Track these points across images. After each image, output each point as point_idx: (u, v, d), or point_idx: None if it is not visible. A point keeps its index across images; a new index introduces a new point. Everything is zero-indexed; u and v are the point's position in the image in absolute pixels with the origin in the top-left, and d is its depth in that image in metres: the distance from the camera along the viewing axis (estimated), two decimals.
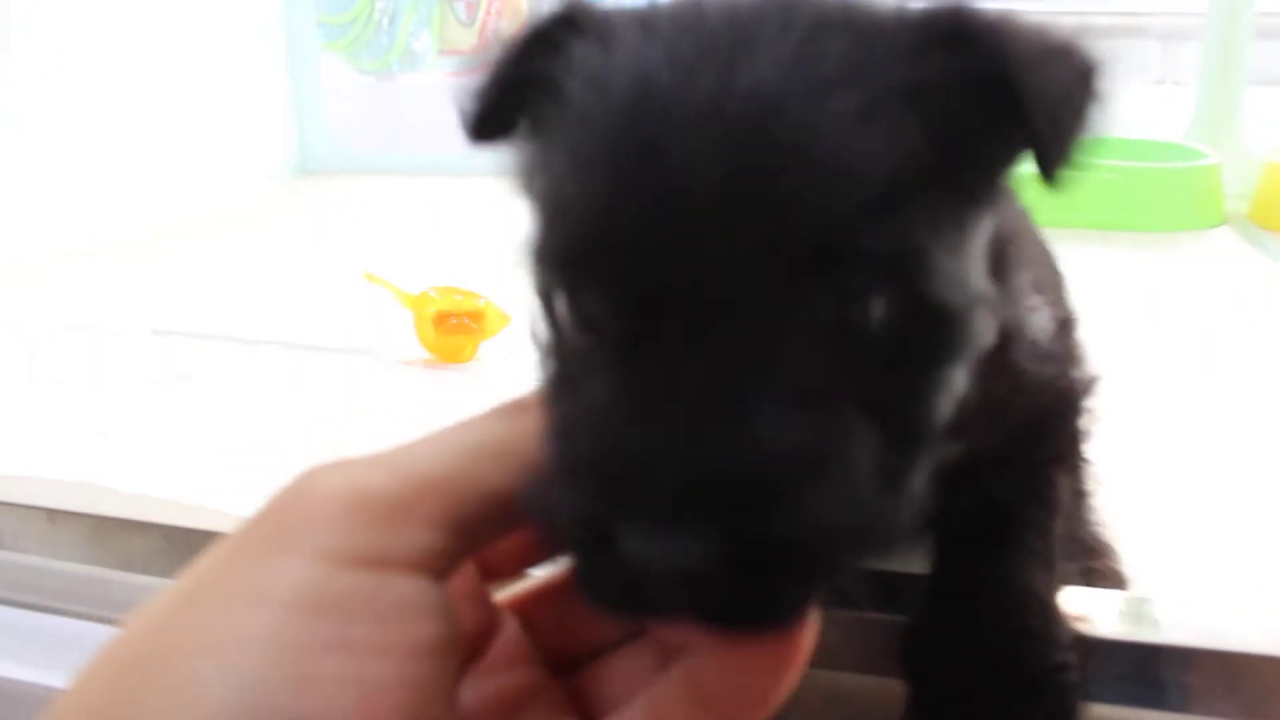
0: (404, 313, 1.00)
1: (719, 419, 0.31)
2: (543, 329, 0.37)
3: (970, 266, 0.37)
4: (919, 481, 0.35)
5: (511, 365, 0.97)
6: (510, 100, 0.40)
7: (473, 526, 0.34)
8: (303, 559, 0.31)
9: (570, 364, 0.37)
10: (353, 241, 1.43)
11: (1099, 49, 0.36)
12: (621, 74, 0.35)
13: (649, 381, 0.32)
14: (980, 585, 0.47)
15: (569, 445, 0.33)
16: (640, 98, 0.34)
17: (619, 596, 0.32)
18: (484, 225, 1.53)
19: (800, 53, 0.34)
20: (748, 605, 0.31)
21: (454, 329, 0.97)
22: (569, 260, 0.35)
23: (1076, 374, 0.52)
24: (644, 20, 0.37)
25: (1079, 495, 0.58)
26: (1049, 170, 0.35)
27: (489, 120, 0.40)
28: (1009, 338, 0.43)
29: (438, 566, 0.33)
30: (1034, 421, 0.48)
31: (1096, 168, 0.96)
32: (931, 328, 0.35)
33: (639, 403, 0.32)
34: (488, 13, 2.80)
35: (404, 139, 2.06)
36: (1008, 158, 0.37)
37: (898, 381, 0.35)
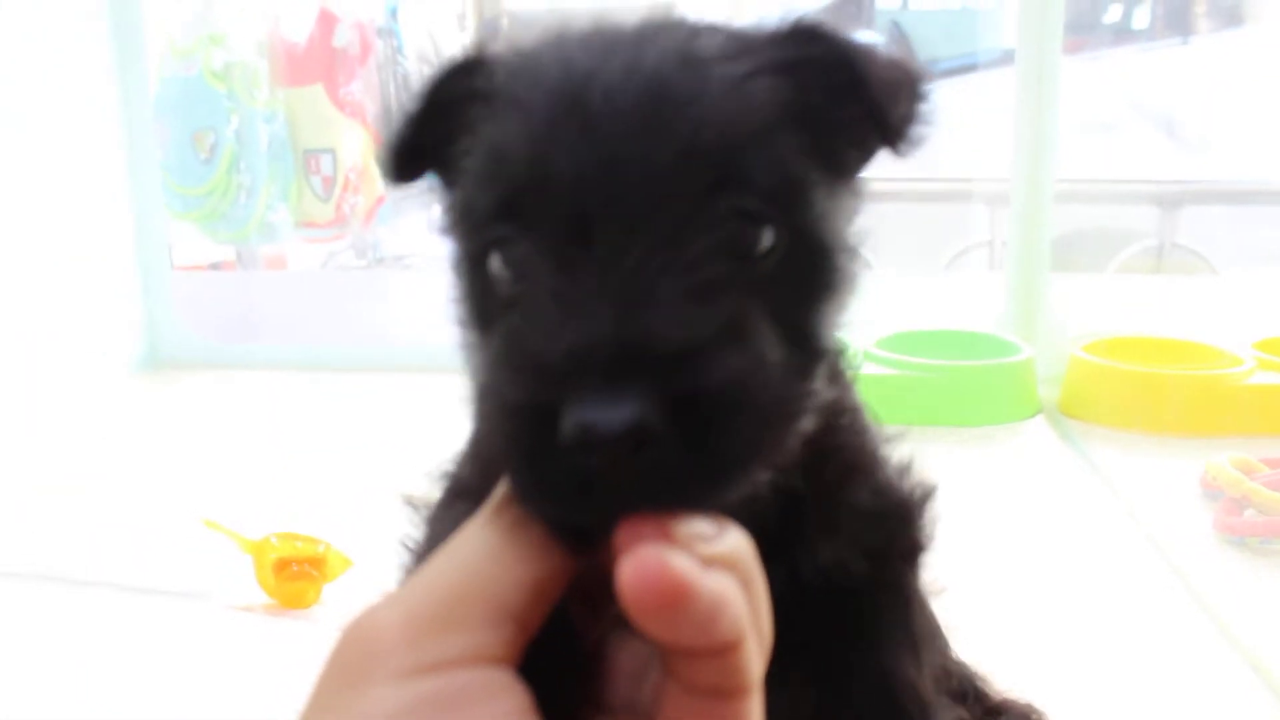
0: (244, 557, 1.01)
1: (643, 307, 0.37)
2: (465, 292, 0.46)
3: (840, 220, 0.47)
4: (813, 383, 0.44)
5: (355, 609, 0.98)
6: (424, 136, 0.49)
7: (517, 611, 0.39)
8: (382, 682, 0.37)
9: (499, 310, 0.43)
10: (196, 458, 1.43)
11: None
12: (545, 67, 0.44)
13: (583, 288, 0.38)
14: (854, 673, 0.53)
15: (510, 356, 0.39)
16: (564, 77, 0.43)
17: (569, 490, 0.37)
18: (335, 422, 1.55)
19: (689, 41, 0.44)
20: (689, 466, 0.36)
21: (295, 575, 0.98)
22: (508, 204, 0.42)
23: (913, 483, 0.60)
24: (557, 37, 0.46)
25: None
26: (887, 138, 0.47)
27: (408, 155, 0.49)
28: (846, 410, 0.54)
29: (497, 654, 0.39)
30: (880, 509, 0.56)
31: (915, 367, 1.04)
32: (811, 258, 0.44)
33: (574, 306, 0.38)
34: (344, 188, 2.85)
35: (259, 331, 2.06)
36: (856, 132, 0.47)
37: (790, 303, 0.43)
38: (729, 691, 0.38)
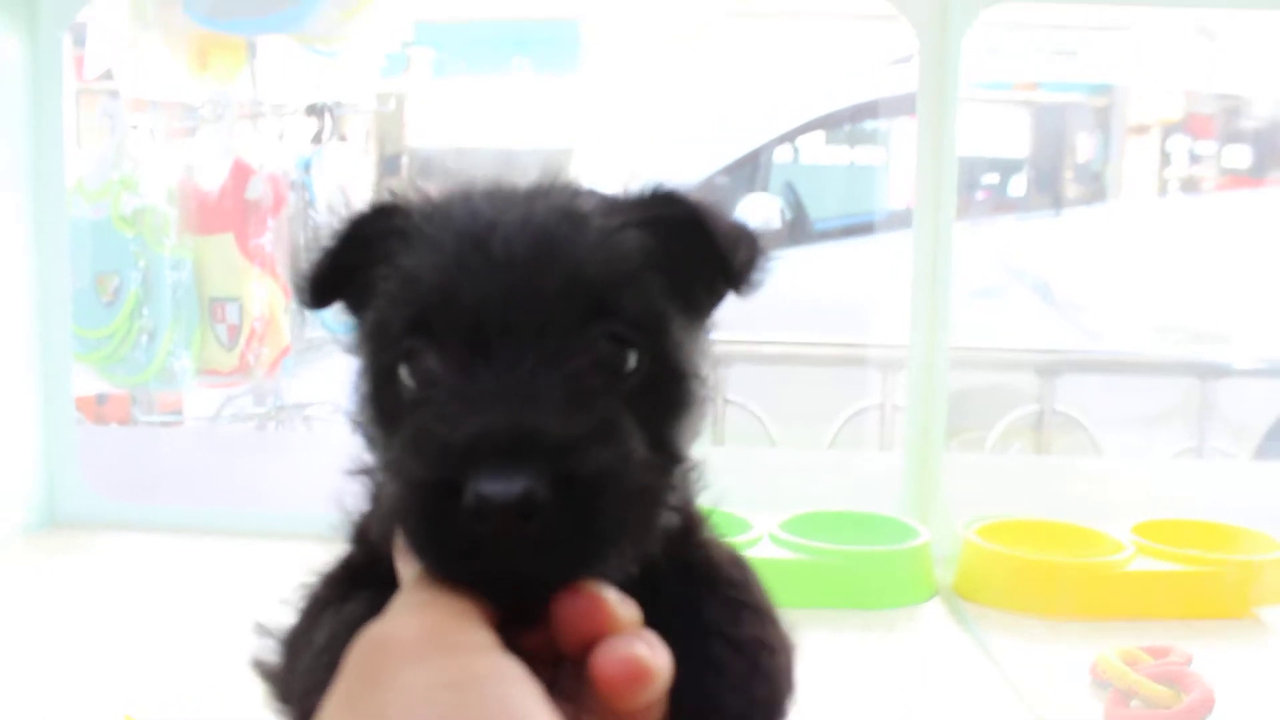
0: None
1: (532, 405, 0.46)
2: (371, 398, 0.54)
3: (693, 349, 0.56)
4: (672, 479, 0.54)
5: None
6: (341, 265, 0.57)
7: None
8: (405, 670, 0.43)
9: (403, 412, 0.51)
10: (111, 637, 1.40)
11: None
12: (456, 213, 0.54)
13: (483, 390, 0.47)
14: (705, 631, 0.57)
15: (419, 445, 0.47)
16: (470, 222, 0.53)
17: (458, 555, 0.45)
18: (246, 593, 1.54)
19: (568, 202, 0.54)
20: (567, 534, 0.45)
21: None
22: (417, 322, 0.51)
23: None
24: (463, 191, 0.56)
25: None
26: (734, 281, 0.57)
27: (324, 281, 0.58)
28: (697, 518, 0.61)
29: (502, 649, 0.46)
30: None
31: (817, 552, 1.08)
32: (668, 378, 0.53)
33: (472, 402, 0.47)
34: (250, 338, 2.85)
35: (157, 490, 2.04)
36: (706, 277, 0.57)
37: (650, 411, 0.52)
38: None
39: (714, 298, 0.60)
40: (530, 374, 0.48)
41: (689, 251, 0.56)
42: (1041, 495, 1.79)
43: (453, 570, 0.46)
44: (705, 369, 0.57)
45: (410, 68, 5.44)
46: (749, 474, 1.82)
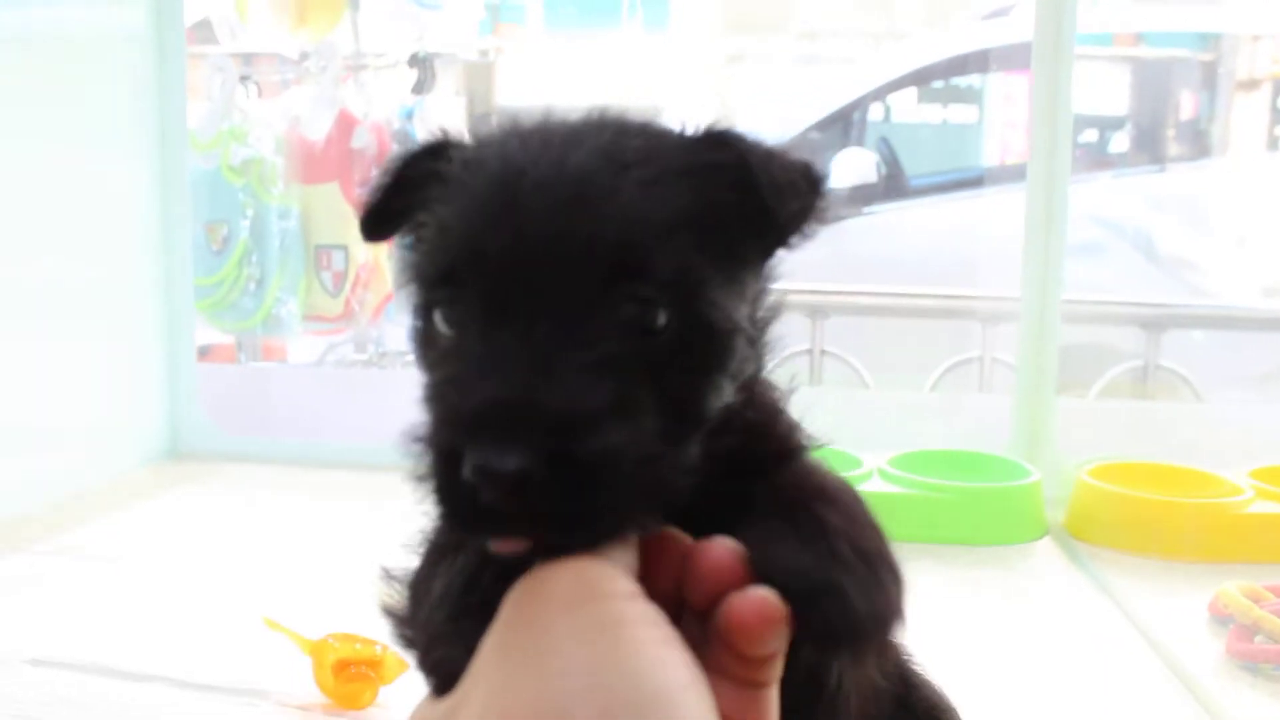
0: (303, 657, 1.05)
1: (545, 378, 0.46)
2: (418, 339, 0.54)
3: (737, 304, 0.53)
4: (690, 449, 0.50)
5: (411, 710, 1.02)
6: (397, 201, 0.57)
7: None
8: (560, 613, 0.45)
9: (439, 355, 0.51)
10: (246, 553, 1.46)
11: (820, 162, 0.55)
12: (489, 158, 0.52)
13: (497, 354, 0.47)
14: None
15: (437, 405, 0.49)
16: (502, 170, 0.51)
17: (470, 515, 0.46)
18: (368, 520, 1.58)
19: (610, 145, 0.51)
20: (562, 509, 0.45)
21: (353, 677, 1.01)
22: (448, 272, 0.50)
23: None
24: (507, 130, 0.54)
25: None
26: (780, 234, 0.54)
27: (380, 216, 0.58)
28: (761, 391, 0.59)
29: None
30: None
31: (928, 487, 1.09)
32: (703, 340, 0.50)
33: (488, 369, 0.47)
34: (354, 285, 2.92)
35: (276, 426, 2.10)
36: (756, 227, 0.53)
37: (678, 376, 0.50)
38: (767, 684, 0.49)
39: (765, 246, 0.56)
40: (547, 338, 0.47)
41: (737, 199, 0.52)
42: (1152, 441, 1.76)
43: (464, 531, 0.49)
44: (753, 321, 0.55)
45: (504, 22, 5.45)
46: (852, 415, 1.82)
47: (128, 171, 1.86)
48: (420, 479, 0.49)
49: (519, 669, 0.44)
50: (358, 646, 1.03)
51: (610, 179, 0.50)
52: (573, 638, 0.44)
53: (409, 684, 1.04)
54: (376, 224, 0.59)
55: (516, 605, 0.47)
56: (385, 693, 1.03)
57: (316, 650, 1.03)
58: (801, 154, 0.55)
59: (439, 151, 0.56)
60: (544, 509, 0.45)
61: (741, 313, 0.53)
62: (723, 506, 0.51)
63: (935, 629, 1.21)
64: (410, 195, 0.56)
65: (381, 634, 1.05)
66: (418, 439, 0.49)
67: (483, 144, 0.55)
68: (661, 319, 0.49)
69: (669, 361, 0.49)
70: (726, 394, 0.53)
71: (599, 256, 0.48)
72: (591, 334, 0.47)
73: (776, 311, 0.58)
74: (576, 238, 0.48)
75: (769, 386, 0.60)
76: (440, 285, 0.51)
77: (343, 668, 1.02)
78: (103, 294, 1.80)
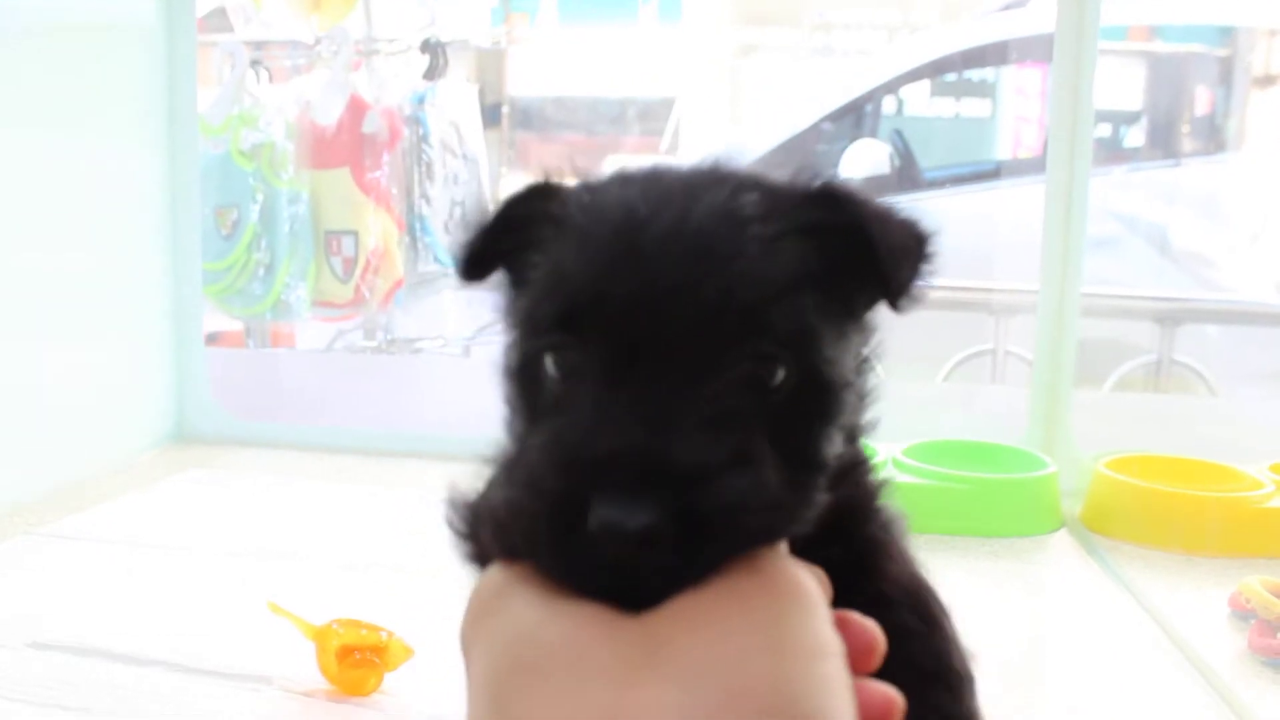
0: (306, 642, 1.03)
1: (668, 428, 0.45)
2: (517, 385, 0.52)
3: (846, 360, 0.53)
4: (811, 498, 0.50)
5: (415, 697, 1.00)
6: (497, 245, 0.56)
7: None
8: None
9: (546, 405, 0.50)
10: (250, 537, 1.44)
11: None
12: (610, 205, 0.51)
13: (621, 403, 0.46)
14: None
15: (554, 451, 0.46)
16: (625, 217, 0.50)
17: (588, 568, 0.44)
18: (375, 506, 1.57)
19: (730, 200, 0.50)
20: (687, 564, 0.44)
21: (358, 663, 1.00)
22: (566, 317, 0.49)
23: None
24: (620, 177, 0.54)
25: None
26: (893, 298, 0.53)
27: (480, 259, 0.56)
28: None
29: None
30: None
31: (943, 477, 1.09)
32: (817, 393, 0.51)
33: (610, 418, 0.46)
34: (364, 270, 2.90)
35: (284, 410, 2.08)
36: (869, 286, 0.53)
37: (795, 428, 0.50)
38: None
39: (872, 301, 0.56)
40: (672, 392, 0.46)
41: (851, 258, 0.52)
42: (1169, 435, 1.74)
43: (572, 581, 0.46)
44: (858, 374, 0.55)
45: (516, 12, 5.43)
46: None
47: (137, 157, 1.85)
48: (519, 522, 0.47)
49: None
50: (363, 633, 1.01)
51: (732, 235, 0.49)
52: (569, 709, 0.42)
53: (414, 671, 1.02)
54: (477, 264, 0.57)
55: (510, 667, 0.44)
56: (390, 680, 1.02)
57: (321, 636, 1.02)
58: (909, 215, 0.55)
59: (548, 193, 0.55)
60: (666, 564, 0.44)
61: (849, 366, 0.54)
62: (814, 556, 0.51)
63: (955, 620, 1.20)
64: (515, 236, 0.55)
65: (387, 620, 1.04)
66: (519, 479, 0.47)
67: (595, 190, 0.54)
68: (780, 375, 0.49)
69: (785, 415, 0.49)
70: (837, 444, 0.53)
71: (725, 313, 0.48)
72: (714, 389, 0.47)
73: (871, 362, 0.58)
74: (703, 293, 0.48)
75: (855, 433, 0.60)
76: (556, 330, 0.50)
77: (347, 654, 1.00)
78: (110, 279, 1.79)
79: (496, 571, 0.48)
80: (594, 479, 0.44)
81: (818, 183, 0.54)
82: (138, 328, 1.87)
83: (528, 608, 0.45)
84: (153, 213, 1.88)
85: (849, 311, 0.54)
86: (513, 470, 0.49)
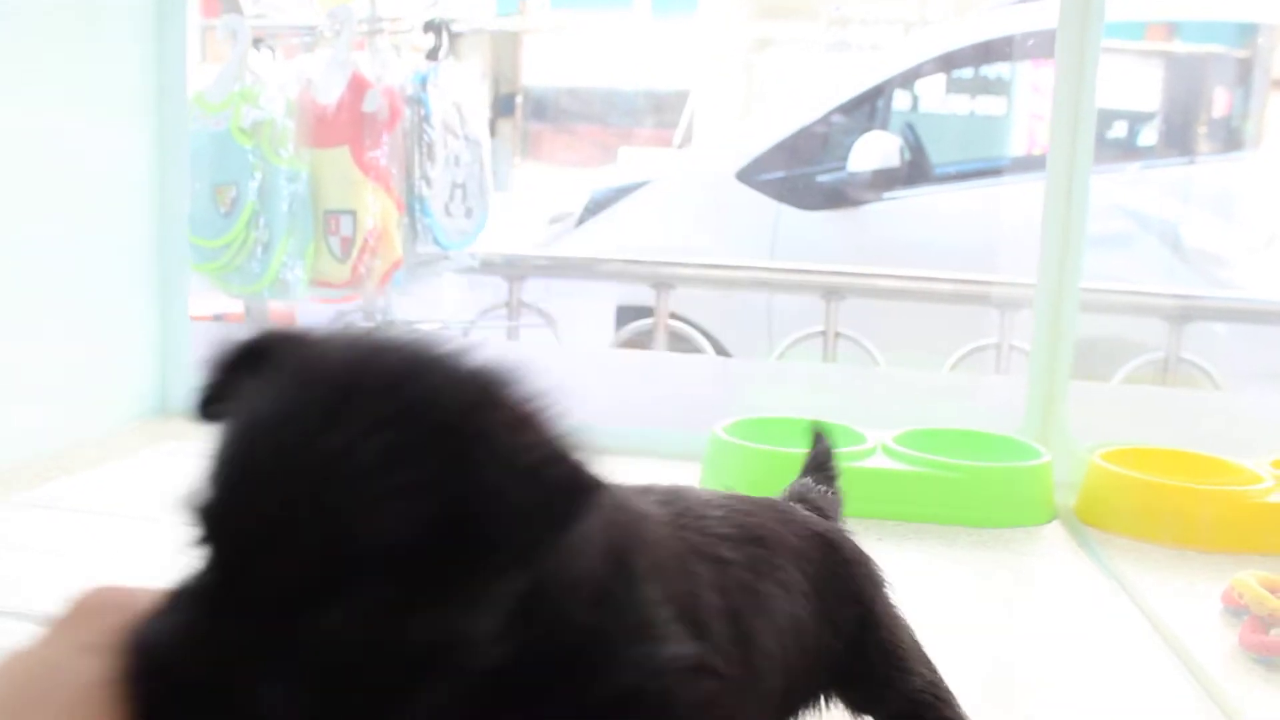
0: None
1: (247, 668, 0.44)
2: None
3: (452, 627, 0.47)
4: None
5: None
6: (220, 392, 0.53)
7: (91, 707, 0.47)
8: None
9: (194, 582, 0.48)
10: None
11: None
12: (258, 405, 0.48)
13: (214, 612, 0.45)
14: None
15: (143, 652, 0.46)
16: (255, 429, 0.48)
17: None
18: None
19: (358, 440, 0.46)
20: None
21: None
22: (196, 513, 0.48)
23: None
24: (282, 374, 0.50)
25: None
26: (511, 560, 0.47)
27: (207, 404, 0.53)
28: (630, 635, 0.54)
29: None
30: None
31: (933, 465, 1.07)
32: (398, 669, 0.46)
33: (200, 626, 0.45)
34: (362, 250, 2.87)
35: None
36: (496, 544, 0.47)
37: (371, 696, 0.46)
38: None
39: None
40: (251, 629, 0.45)
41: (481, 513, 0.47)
42: (1170, 429, 1.70)
43: None
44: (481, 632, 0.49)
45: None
46: (861, 392, 1.77)
47: (125, 134, 1.84)
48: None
49: None
50: None
51: (345, 484, 0.45)
52: None
53: None
54: (212, 404, 0.53)
55: None
56: None
57: None
58: (571, 455, 0.48)
59: (263, 350, 0.52)
60: None
61: (462, 630, 0.48)
62: None
63: (937, 610, 1.16)
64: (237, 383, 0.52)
65: None
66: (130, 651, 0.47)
67: (261, 378, 0.50)
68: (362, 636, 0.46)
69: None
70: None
71: (316, 565, 0.45)
72: (298, 638, 0.45)
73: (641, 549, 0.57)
74: (299, 541, 0.45)
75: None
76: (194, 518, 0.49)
77: None
78: (97, 254, 1.77)
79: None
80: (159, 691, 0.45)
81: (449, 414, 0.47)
82: (123, 302, 1.85)
83: None
84: (141, 189, 1.86)
85: (484, 569, 0.47)
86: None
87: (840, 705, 0.78)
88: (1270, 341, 3.27)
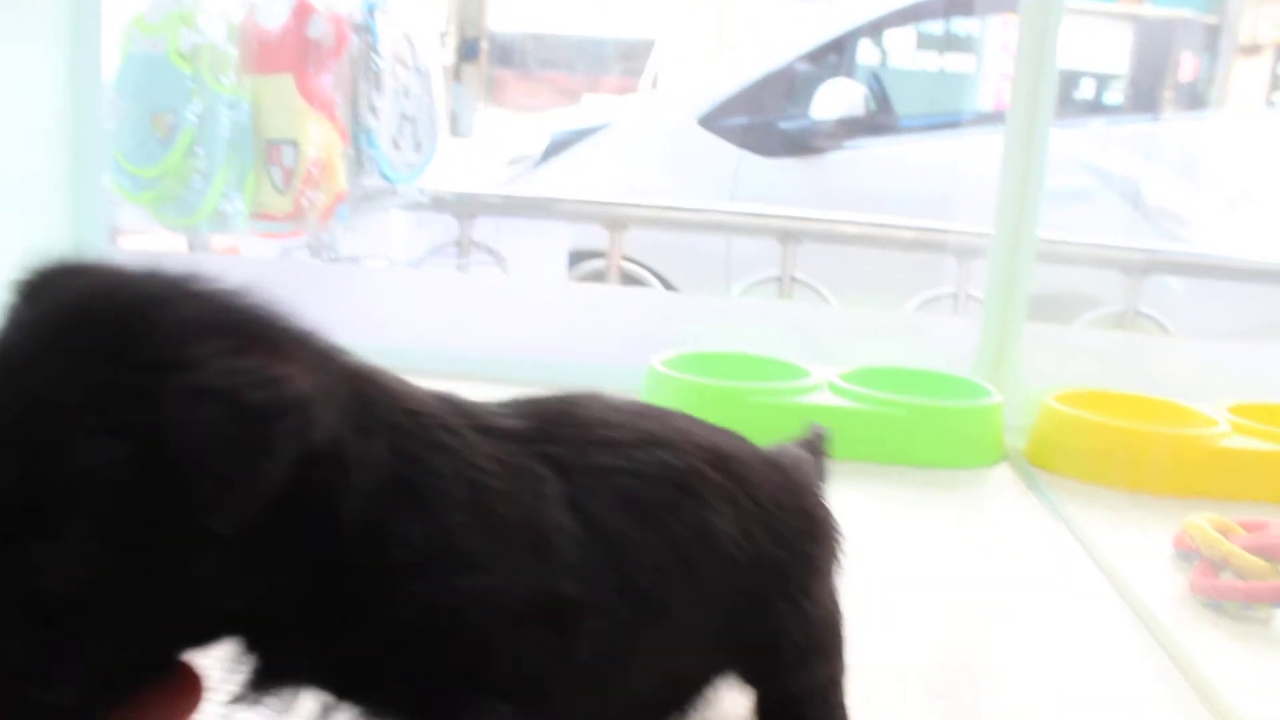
0: None
1: None
2: None
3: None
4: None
5: None
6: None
7: None
8: None
9: None
10: None
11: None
12: None
13: None
14: None
15: None
16: None
17: None
18: None
19: (54, 377, 0.43)
20: None
21: None
22: None
23: None
24: (33, 300, 0.47)
25: None
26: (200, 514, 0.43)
27: None
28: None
29: None
30: None
31: (879, 402, 0.99)
32: None
33: None
34: (305, 182, 2.76)
35: None
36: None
37: None
38: None
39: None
40: None
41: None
42: (1128, 374, 1.65)
43: None
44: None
45: None
46: (814, 330, 1.71)
47: (39, 57, 1.74)
48: None
49: None
50: None
51: (46, 421, 0.43)
52: None
53: None
54: None
55: None
56: None
57: None
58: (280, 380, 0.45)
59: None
60: None
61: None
62: None
63: (879, 551, 1.11)
64: None
65: None
66: None
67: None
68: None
69: None
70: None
71: (12, 503, 0.42)
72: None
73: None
74: None
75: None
76: None
77: None
78: (6, 181, 1.68)
79: None
80: None
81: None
82: (36, 231, 1.76)
83: None
84: (55, 114, 1.77)
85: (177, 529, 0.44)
86: None
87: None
88: (1228, 297, 3.25)
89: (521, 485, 0.54)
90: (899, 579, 1.07)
